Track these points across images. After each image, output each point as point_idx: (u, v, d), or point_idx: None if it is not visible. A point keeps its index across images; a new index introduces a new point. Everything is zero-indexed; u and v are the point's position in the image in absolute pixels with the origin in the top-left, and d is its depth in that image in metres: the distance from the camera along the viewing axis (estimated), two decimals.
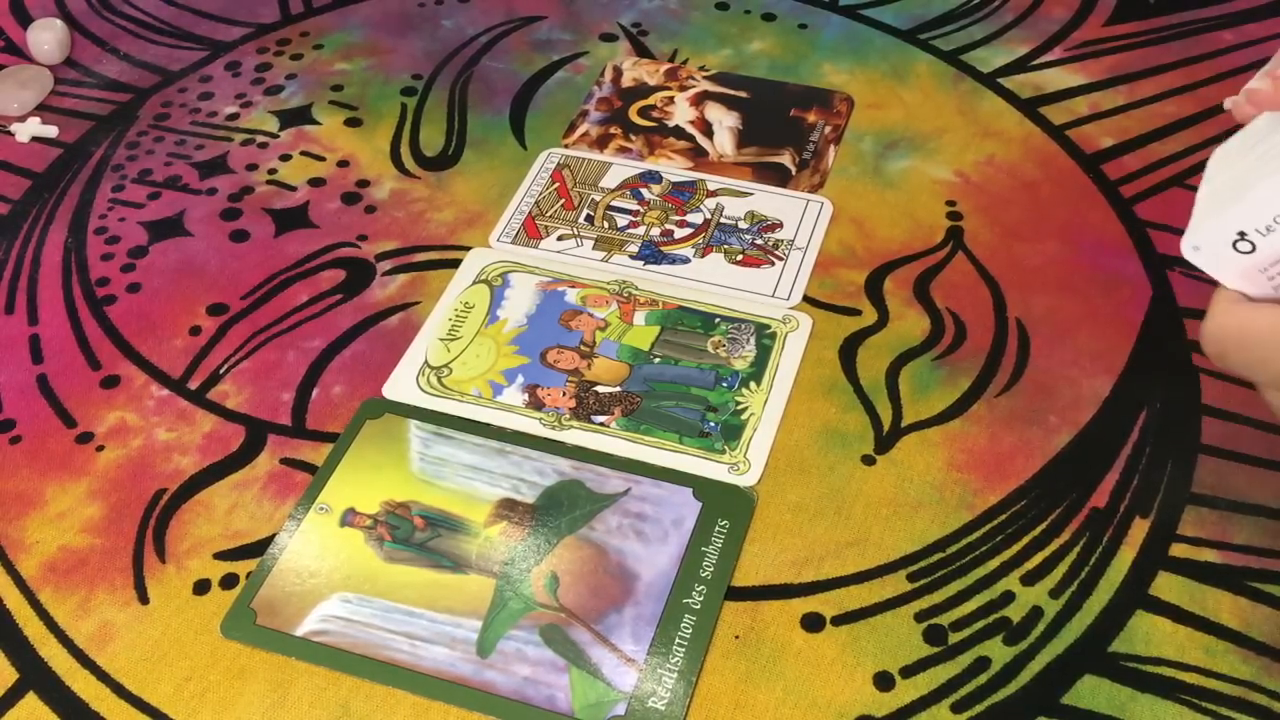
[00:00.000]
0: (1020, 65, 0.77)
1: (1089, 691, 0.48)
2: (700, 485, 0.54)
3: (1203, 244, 0.44)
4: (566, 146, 0.73)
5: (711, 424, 0.57)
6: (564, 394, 0.58)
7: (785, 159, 0.71)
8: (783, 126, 0.73)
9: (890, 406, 0.58)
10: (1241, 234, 0.42)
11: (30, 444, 0.57)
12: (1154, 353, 0.60)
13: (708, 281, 0.64)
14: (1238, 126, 0.46)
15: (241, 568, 0.52)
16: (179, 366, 0.61)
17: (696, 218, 0.67)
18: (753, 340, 0.60)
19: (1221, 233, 0.43)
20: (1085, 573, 0.51)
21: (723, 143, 0.72)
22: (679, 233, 0.66)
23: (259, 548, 0.53)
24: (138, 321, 0.63)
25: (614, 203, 0.68)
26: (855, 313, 0.62)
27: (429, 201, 0.69)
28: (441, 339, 0.61)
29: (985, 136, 0.72)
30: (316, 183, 0.71)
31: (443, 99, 0.76)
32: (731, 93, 0.76)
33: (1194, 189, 0.46)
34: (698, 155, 0.72)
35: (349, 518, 0.54)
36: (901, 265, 0.65)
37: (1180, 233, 0.45)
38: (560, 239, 0.66)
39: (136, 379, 0.60)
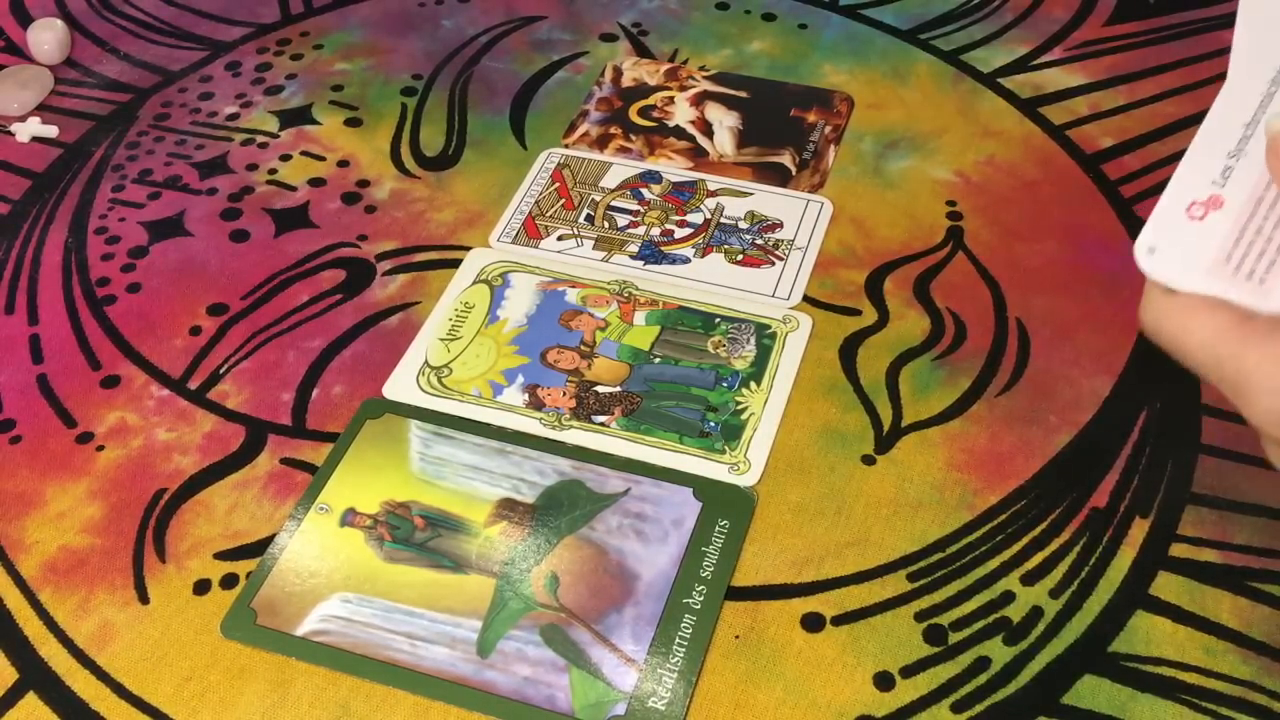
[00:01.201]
0: (1020, 65, 0.77)
1: (1089, 691, 0.48)
2: (700, 485, 0.54)
3: (1158, 241, 0.37)
4: (566, 146, 0.73)
5: (711, 424, 0.57)
6: (564, 394, 0.58)
7: (785, 159, 0.71)
8: (783, 126, 0.73)
9: (890, 406, 0.58)
10: (1194, 204, 0.37)
11: (30, 444, 0.57)
12: (1154, 353, 0.60)
13: (708, 281, 0.64)
14: None
15: (241, 568, 0.52)
16: (179, 366, 0.61)
17: (696, 218, 0.67)
18: (753, 340, 0.60)
19: (1174, 212, 0.37)
20: (1085, 573, 0.51)
21: (723, 143, 0.72)
22: (679, 233, 0.66)
23: (259, 548, 0.53)
24: (138, 321, 0.63)
25: (614, 203, 0.68)
26: (855, 313, 0.62)
27: (429, 201, 0.69)
28: (441, 339, 0.61)
29: (985, 136, 0.72)
30: (316, 183, 0.71)
31: (443, 99, 0.76)
32: (731, 93, 0.76)
33: None
34: (698, 155, 0.72)
35: (349, 518, 0.54)
36: (901, 265, 0.65)
37: None
38: (560, 239, 0.66)
39: (136, 379, 0.60)
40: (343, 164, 0.72)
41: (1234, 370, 0.36)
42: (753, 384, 0.58)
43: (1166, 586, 0.51)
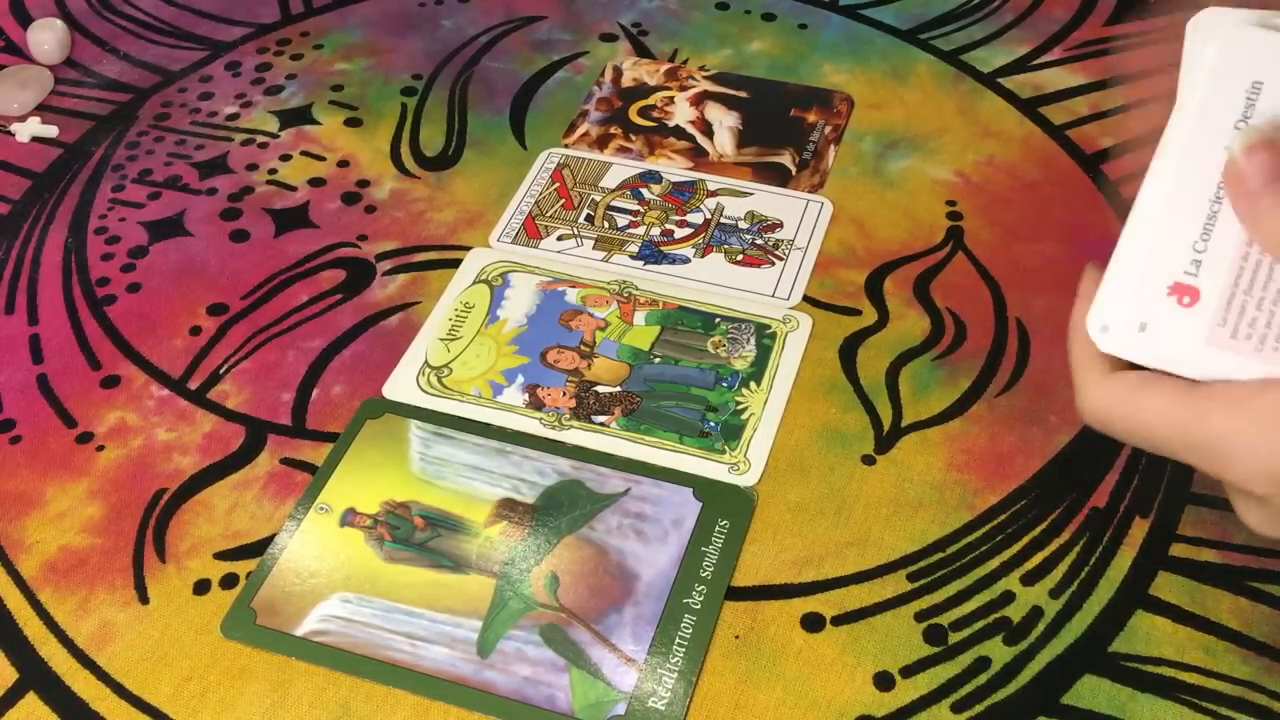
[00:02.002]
0: (1020, 65, 0.77)
1: (1089, 691, 0.48)
2: (700, 485, 0.54)
3: (1149, 318, 0.36)
4: (566, 146, 0.73)
5: (711, 424, 0.57)
6: (564, 394, 0.58)
7: (785, 159, 0.71)
8: (783, 126, 0.73)
9: (890, 406, 0.58)
10: (1176, 285, 0.36)
11: (30, 444, 0.57)
12: None
13: (708, 281, 0.64)
14: None
15: (241, 568, 0.52)
16: (179, 366, 0.61)
17: (696, 218, 0.67)
18: (753, 340, 0.60)
19: (1150, 293, 0.36)
20: (1085, 573, 0.51)
21: (723, 143, 0.72)
22: (679, 233, 0.66)
23: (259, 548, 0.53)
24: (138, 321, 0.63)
25: (614, 203, 0.68)
26: (855, 313, 0.62)
27: (429, 201, 0.69)
28: (441, 339, 0.61)
29: (985, 136, 0.72)
30: (316, 183, 0.71)
31: (443, 99, 0.76)
32: (731, 93, 0.76)
33: None
34: (698, 155, 0.72)
35: (349, 518, 0.54)
36: (901, 265, 0.65)
37: None
38: (560, 239, 0.66)
39: (136, 379, 0.60)
40: (343, 164, 0.72)
41: (1202, 435, 0.34)
42: (753, 384, 0.58)
43: (1166, 586, 0.51)
